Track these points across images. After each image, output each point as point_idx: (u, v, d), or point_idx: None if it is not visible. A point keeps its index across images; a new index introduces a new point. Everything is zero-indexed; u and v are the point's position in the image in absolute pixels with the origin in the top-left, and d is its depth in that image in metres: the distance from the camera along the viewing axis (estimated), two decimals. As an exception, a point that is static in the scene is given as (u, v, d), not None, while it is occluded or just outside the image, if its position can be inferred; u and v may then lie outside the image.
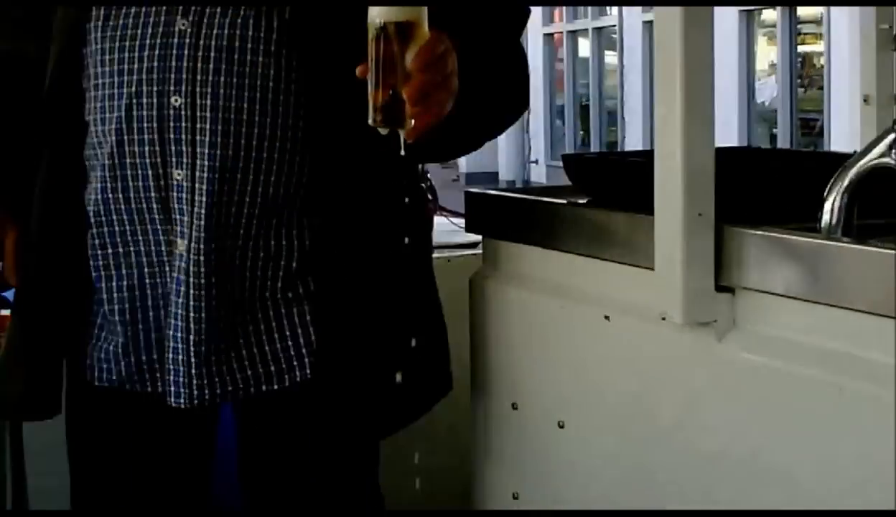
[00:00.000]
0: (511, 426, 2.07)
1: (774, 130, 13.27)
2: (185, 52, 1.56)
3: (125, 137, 1.59)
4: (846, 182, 1.56)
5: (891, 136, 1.55)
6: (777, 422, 1.52)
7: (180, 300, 1.58)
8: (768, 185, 1.71)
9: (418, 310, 1.71)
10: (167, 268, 1.61)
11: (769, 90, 13.76)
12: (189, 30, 1.57)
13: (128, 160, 1.59)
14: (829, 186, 1.57)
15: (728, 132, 13.23)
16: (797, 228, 1.56)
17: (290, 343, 1.62)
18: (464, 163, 20.36)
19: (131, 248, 1.62)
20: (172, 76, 1.56)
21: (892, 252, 1.40)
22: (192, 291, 1.57)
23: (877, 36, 2.96)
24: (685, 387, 1.66)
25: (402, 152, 1.44)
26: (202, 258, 1.56)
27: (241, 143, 1.55)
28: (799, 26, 13.39)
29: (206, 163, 1.55)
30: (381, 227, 1.65)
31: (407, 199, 1.64)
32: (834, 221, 1.56)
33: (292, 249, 1.61)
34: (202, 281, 1.57)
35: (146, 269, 1.62)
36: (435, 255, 1.89)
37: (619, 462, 1.81)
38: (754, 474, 1.55)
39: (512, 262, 2.09)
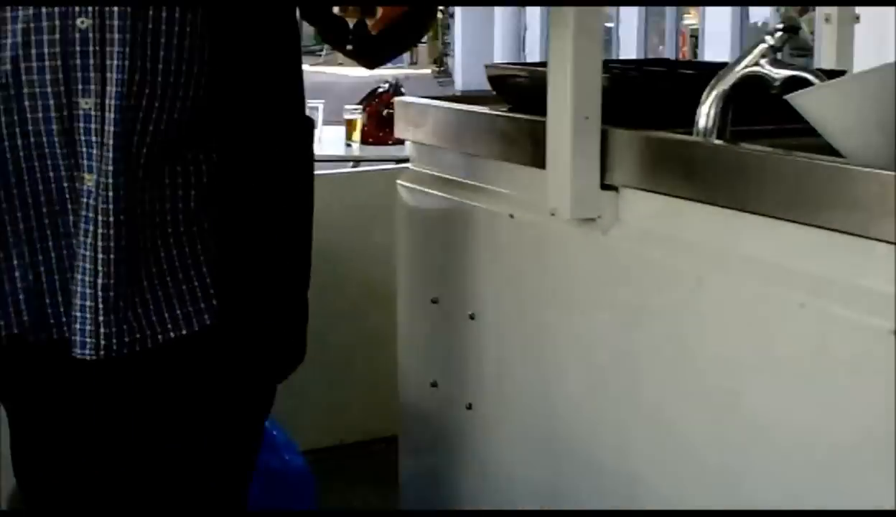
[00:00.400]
0: (430, 320, 2.21)
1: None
2: None
3: (21, 65, 1.44)
4: (721, 89, 1.67)
5: (762, 46, 1.65)
6: (652, 306, 1.65)
7: (88, 240, 1.46)
8: (651, 92, 1.83)
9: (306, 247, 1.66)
10: (70, 206, 1.48)
11: (764, 11, 13.72)
12: None
13: (24, 90, 1.45)
14: (705, 93, 1.68)
15: (721, 51, 13.24)
16: (676, 132, 1.68)
17: (195, 283, 1.52)
18: (460, 81, 20.40)
19: (27, 189, 1.48)
20: None
21: (762, 152, 1.52)
22: (100, 230, 1.45)
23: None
24: (576, 277, 1.79)
25: (350, 47, 1.46)
26: (111, 193, 1.44)
27: (148, 66, 1.44)
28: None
29: (116, 89, 1.42)
30: (277, 159, 1.57)
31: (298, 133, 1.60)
32: (709, 125, 1.67)
33: (200, 178, 1.51)
34: (111, 218, 1.44)
35: (44, 209, 1.48)
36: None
37: (521, 349, 1.95)
38: (634, 345, 1.68)
39: (432, 165, 2.22)
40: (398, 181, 2.30)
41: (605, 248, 1.71)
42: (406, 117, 2.28)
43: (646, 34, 15.18)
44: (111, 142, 1.43)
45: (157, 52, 1.44)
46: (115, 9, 1.42)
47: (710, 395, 1.54)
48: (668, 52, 14.74)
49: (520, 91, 2.07)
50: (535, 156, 1.82)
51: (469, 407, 2.10)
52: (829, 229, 1.39)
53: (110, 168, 1.43)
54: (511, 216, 1.93)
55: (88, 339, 1.48)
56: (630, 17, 15.68)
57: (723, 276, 1.53)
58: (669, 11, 15.01)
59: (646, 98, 1.85)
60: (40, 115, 1.45)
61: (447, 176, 2.17)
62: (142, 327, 1.50)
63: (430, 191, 2.20)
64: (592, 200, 1.70)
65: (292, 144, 1.59)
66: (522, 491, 1.97)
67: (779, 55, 1.65)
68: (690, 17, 15.06)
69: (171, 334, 1.51)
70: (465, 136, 2.08)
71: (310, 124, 1.64)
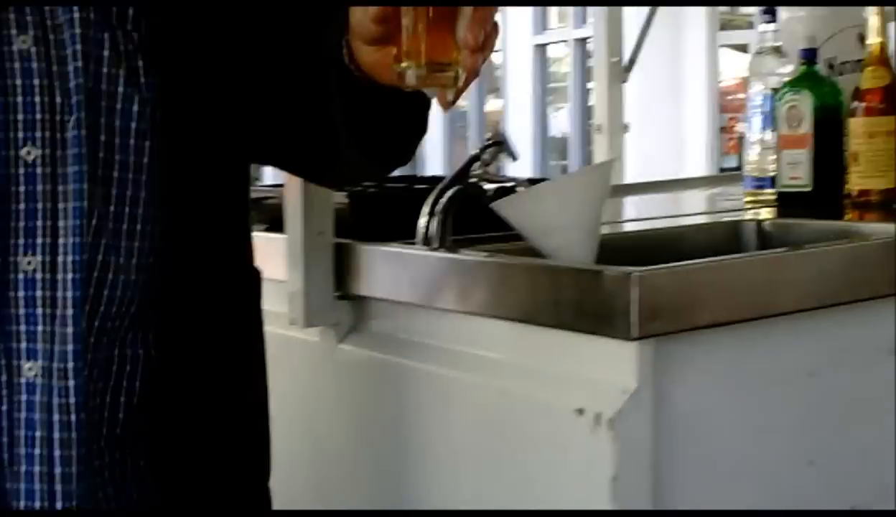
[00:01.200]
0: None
1: (566, 162, 13.77)
2: (39, 99, 1.09)
3: None
4: (441, 201, 1.81)
5: (478, 161, 1.81)
6: (391, 410, 1.76)
7: (35, 451, 1.08)
8: (390, 206, 1.98)
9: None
10: None
11: (562, 125, 14.27)
12: (32, 48, 1.10)
13: None
14: (427, 205, 1.81)
15: (523, 163, 13.67)
16: (403, 243, 1.81)
17: (135, 496, 1.19)
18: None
19: None
20: (21, 118, 1.08)
21: (470, 258, 1.64)
22: (56, 435, 1.08)
23: (608, 68, 3.28)
24: (318, 383, 1.90)
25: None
26: (69, 384, 1.08)
27: (109, 209, 1.11)
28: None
29: (72, 240, 1.08)
30: (221, 326, 1.31)
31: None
32: (432, 235, 1.80)
33: (138, 366, 1.18)
34: (69, 418, 1.08)
35: None
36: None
37: (293, 456, 2.03)
38: (384, 445, 1.77)
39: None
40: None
41: (342, 354, 1.83)
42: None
43: (451, 147, 15.53)
44: (69, 311, 1.08)
45: (109, 189, 1.11)
46: (70, 132, 1.09)
47: (448, 485, 1.65)
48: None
49: (271, 211, 2.18)
50: (280, 271, 1.93)
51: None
52: (527, 323, 1.52)
53: (69, 348, 1.08)
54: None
55: None
56: (434, 135, 16.09)
57: (445, 373, 1.65)
58: (473, 125, 15.40)
59: (386, 212, 1.99)
60: None
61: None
62: None
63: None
64: (328, 310, 1.82)
65: (239, 304, 1.34)
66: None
67: (491, 168, 1.80)
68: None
69: None
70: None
71: (257, 277, 1.39)
